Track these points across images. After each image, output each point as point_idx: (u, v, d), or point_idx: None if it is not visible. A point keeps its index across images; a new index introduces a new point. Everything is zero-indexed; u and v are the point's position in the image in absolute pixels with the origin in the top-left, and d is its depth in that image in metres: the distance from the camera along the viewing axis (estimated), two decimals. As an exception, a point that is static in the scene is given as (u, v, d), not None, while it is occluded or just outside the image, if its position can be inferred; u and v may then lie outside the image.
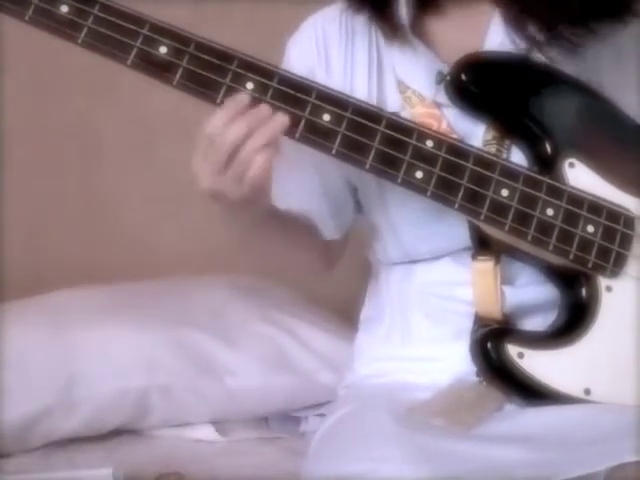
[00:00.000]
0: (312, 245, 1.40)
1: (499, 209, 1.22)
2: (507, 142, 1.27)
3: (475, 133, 1.27)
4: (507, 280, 1.28)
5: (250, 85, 1.19)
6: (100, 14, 1.18)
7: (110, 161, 2.23)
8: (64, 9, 1.18)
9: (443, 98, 1.28)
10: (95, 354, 1.79)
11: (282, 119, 1.18)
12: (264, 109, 1.18)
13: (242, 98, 1.17)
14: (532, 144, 1.27)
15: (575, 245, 1.24)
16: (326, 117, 1.19)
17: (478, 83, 1.26)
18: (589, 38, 1.27)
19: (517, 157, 1.27)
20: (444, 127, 1.27)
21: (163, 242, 2.21)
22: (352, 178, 1.35)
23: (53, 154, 2.20)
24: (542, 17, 1.27)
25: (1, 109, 2.07)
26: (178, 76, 1.18)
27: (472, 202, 1.22)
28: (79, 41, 1.18)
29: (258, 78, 1.19)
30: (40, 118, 2.18)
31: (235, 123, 1.16)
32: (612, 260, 1.25)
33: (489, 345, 1.24)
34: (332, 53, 1.34)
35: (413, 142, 1.21)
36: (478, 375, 1.27)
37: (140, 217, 2.22)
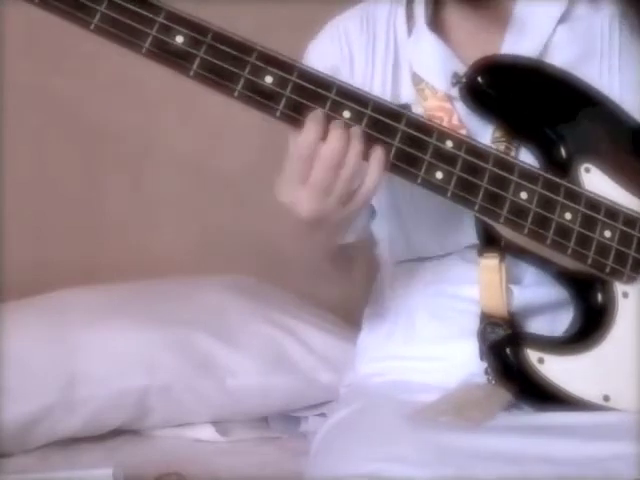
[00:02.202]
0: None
1: (519, 212, 1.22)
2: (515, 141, 1.28)
3: (485, 129, 1.28)
4: (515, 279, 1.28)
5: (269, 79, 1.17)
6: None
7: (111, 161, 2.23)
8: None
9: (456, 92, 1.28)
10: (95, 354, 1.78)
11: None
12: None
13: (318, 113, 1.16)
14: (547, 148, 1.27)
15: (593, 250, 1.24)
16: (346, 114, 1.18)
17: (494, 86, 1.26)
18: None
19: (525, 156, 1.27)
20: (454, 121, 1.27)
21: (163, 242, 2.21)
22: None
23: (53, 155, 2.20)
24: None
25: (1, 109, 2.07)
26: (195, 66, 1.16)
27: (492, 204, 1.21)
28: (91, 27, 1.15)
29: (277, 72, 1.17)
30: (40, 119, 2.18)
31: (330, 137, 1.14)
32: (629, 265, 1.25)
33: (508, 350, 1.24)
34: (355, 49, 1.35)
35: (433, 141, 1.20)
36: (487, 372, 1.27)
37: (140, 217, 2.22)
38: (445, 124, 1.27)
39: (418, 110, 1.28)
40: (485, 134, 1.28)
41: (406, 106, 1.27)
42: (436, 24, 1.33)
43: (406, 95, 1.31)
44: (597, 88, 1.28)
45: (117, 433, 1.80)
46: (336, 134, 1.15)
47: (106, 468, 1.50)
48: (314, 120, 1.15)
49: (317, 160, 1.14)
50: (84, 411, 1.75)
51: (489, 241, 1.27)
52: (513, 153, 1.27)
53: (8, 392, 1.71)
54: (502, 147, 1.27)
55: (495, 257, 1.27)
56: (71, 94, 2.17)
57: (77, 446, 1.76)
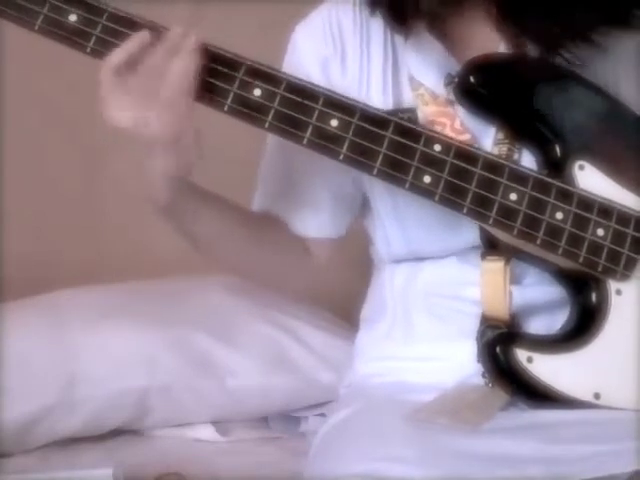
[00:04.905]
0: (285, 246, 1.39)
1: (508, 213, 1.22)
2: (518, 142, 1.27)
3: (487, 132, 1.28)
4: (514, 279, 1.28)
5: (258, 92, 1.19)
6: (109, 24, 1.19)
7: (110, 161, 2.23)
8: (72, 18, 1.19)
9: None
10: (95, 354, 1.78)
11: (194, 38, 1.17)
12: (175, 33, 1.17)
13: (144, 35, 1.17)
14: (542, 147, 1.26)
15: (585, 249, 1.23)
16: (334, 123, 1.20)
17: (487, 85, 1.25)
18: (592, 50, 1.27)
19: (528, 157, 1.27)
20: (457, 126, 1.27)
21: (163, 242, 2.20)
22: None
23: (53, 154, 2.20)
24: (540, 37, 1.27)
25: (1, 110, 2.07)
26: None
27: (481, 206, 1.21)
28: (88, 50, 1.20)
29: (266, 85, 1.19)
30: (40, 119, 2.18)
31: (152, 50, 1.16)
32: (622, 263, 1.24)
33: (498, 349, 1.24)
34: (347, 45, 1.33)
35: (420, 147, 1.21)
36: (484, 376, 1.27)
37: (140, 217, 2.21)
38: (448, 129, 1.27)
39: (419, 116, 1.28)
40: (488, 136, 1.28)
41: (410, 110, 1.27)
42: (437, 26, 1.31)
43: (408, 100, 1.30)
44: (595, 83, 1.27)
45: (117, 433, 1.80)
46: (159, 48, 1.16)
47: (106, 468, 1.51)
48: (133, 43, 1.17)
49: (138, 68, 1.16)
50: (84, 411, 1.75)
51: (493, 244, 1.26)
52: (516, 155, 1.26)
53: (8, 392, 1.71)
54: (505, 149, 1.26)
55: (500, 260, 1.27)
56: (71, 94, 2.17)
57: (77, 446, 1.77)
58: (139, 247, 2.18)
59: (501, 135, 1.27)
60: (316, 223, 1.39)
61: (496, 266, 1.27)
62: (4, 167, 2.11)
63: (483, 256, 1.28)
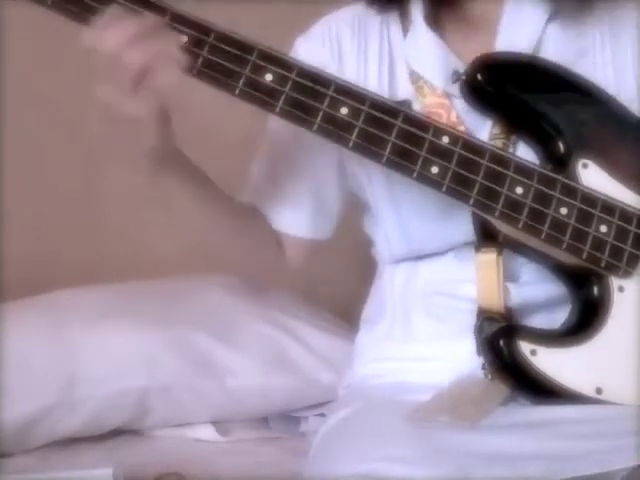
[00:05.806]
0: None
1: (514, 206, 1.22)
2: (513, 137, 1.28)
3: (483, 126, 1.29)
4: (511, 277, 1.28)
5: (269, 76, 1.19)
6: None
7: (110, 161, 2.23)
8: None
9: (454, 89, 1.29)
10: (95, 354, 1.78)
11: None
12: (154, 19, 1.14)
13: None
14: (545, 144, 1.27)
15: (589, 244, 1.24)
16: (344, 110, 1.20)
17: (493, 83, 1.27)
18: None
19: (523, 153, 1.27)
20: (453, 118, 1.28)
21: (164, 242, 2.21)
22: (359, 171, 1.35)
23: (53, 154, 2.20)
24: None
25: (2, 110, 2.07)
26: (199, 63, 1.17)
27: (487, 198, 1.22)
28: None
29: (277, 70, 1.19)
30: (40, 119, 2.18)
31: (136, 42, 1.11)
32: (625, 260, 1.25)
33: (501, 342, 1.24)
34: (345, 50, 1.36)
35: (429, 137, 1.21)
36: (484, 367, 1.27)
37: (140, 217, 2.22)
38: (444, 121, 1.27)
39: (416, 107, 1.29)
40: (483, 131, 1.29)
41: (406, 102, 1.28)
42: (434, 20, 1.33)
43: (404, 94, 1.31)
44: (595, 83, 1.28)
45: (117, 433, 1.81)
46: (147, 41, 1.11)
47: (106, 468, 1.50)
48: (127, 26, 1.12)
49: (121, 62, 1.13)
50: (84, 411, 1.75)
51: (486, 236, 1.27)
52: (511, 150, 1.27)
53: (8, 392, 1.71)
54: (499, 144, 1.27)
55: (492, 252, 1.27)
56: (71, 94, 2.17)
57: (77, 446, 1.77)
58: (139, 247, 2.18)
59: (497, 130, 1.29)
60: (292, 221, 1.40)
61: (489, 258, 1.27)
62: (4, 167, 2.11)
63: (477, 248, 1.28)
